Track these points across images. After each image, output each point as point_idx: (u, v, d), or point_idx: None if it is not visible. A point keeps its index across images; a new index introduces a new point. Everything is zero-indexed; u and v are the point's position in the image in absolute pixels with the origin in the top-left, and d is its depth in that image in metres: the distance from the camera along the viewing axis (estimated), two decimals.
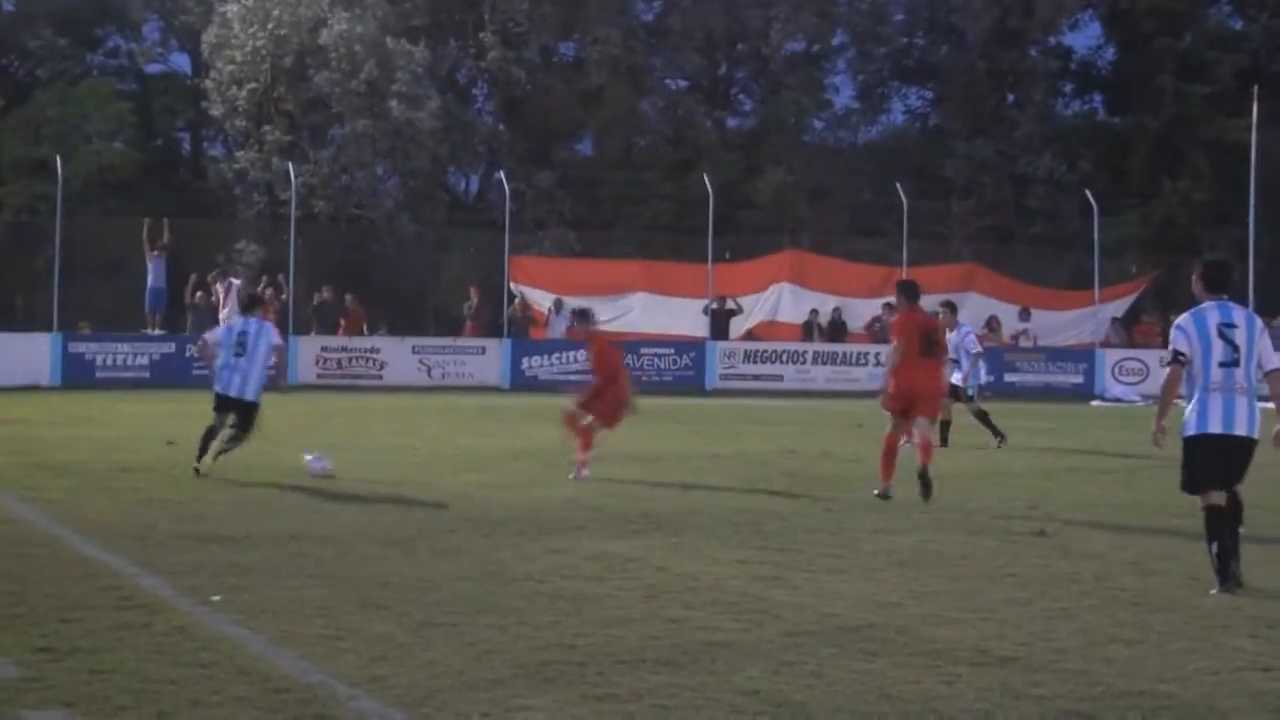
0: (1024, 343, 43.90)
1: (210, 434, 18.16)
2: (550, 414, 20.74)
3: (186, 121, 54.78)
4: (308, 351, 38.17)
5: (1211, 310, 11.23)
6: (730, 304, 42.52)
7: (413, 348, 39.43)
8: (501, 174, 44.89)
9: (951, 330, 24.49)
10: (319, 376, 37.81)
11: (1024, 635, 9.32)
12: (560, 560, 11.90)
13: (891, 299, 26.57)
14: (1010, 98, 55.72)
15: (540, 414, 28.81)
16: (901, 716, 7.58)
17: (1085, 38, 59.47)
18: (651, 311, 42.61)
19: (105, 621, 9.27)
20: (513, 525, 13.78)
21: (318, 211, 46.46)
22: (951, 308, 25.41)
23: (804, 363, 41.18)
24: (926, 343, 17.52)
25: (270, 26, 47.09)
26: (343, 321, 40.55)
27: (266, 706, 7.52)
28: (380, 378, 38.33)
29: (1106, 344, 43.45)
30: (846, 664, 8.54)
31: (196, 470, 17.60)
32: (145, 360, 36.77)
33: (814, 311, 42.81)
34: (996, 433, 23.95)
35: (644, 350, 40.66)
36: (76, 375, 35.75)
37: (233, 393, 18.55)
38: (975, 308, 43.28)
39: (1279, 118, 46.81)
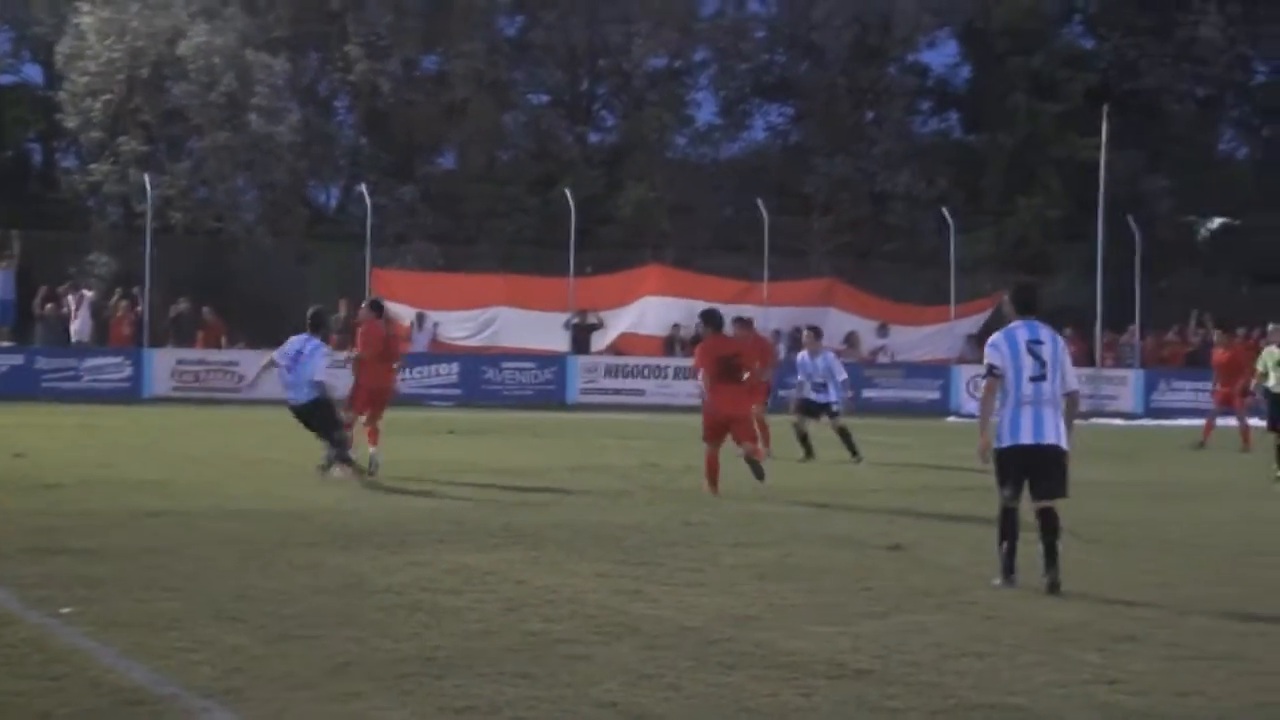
0: (882, 358, 44.37)
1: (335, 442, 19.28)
2: (409, 427, 20.64)
3: (38, 132, 53.86)
4: (163, 364, 37.73)
5: (1020, 329, 12.10)
6: (592, 318, 42.60)
7: (273, 360, 38.96)
8: (363, 187, 44.64)
9: (816, 355, 24.87)
10: (175, 389, 37.38)
11: (879, 648, 9.41)
12: (420, 573, 11.84)
13: (741, 313, 26.72)
14: (870, 115, 56.31)
15: (403, 427, 28.73)
16: None
17: (942, 56, 60.32)
18: (513, 326, 42.54)
19: None
20: (373, 538, 13.70)
21: (174, 223, 45.87)
22: (816, 332, 25.86)
23: (665, 377, 41.29)
24: (725, 368, 18.57)
25: (127, 38, 46.48)
26: (200, 334, 40.09)
27: (119, 718, 7.42)
28: (239, 391, 37.88)
29: (962, 360, 44.03)
30: (704, 677, 8.58)
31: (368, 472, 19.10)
32: None
33: (676, 326, 42.97)
34: (854, 450, 24.12)
35: (505, 364, 40.69)
36: None
37: (297, 402, 19.92)
38: (834, 323, 43.70)
39: (1127, 136, 47.83)
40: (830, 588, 11.72)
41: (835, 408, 24.71)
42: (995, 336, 12.23)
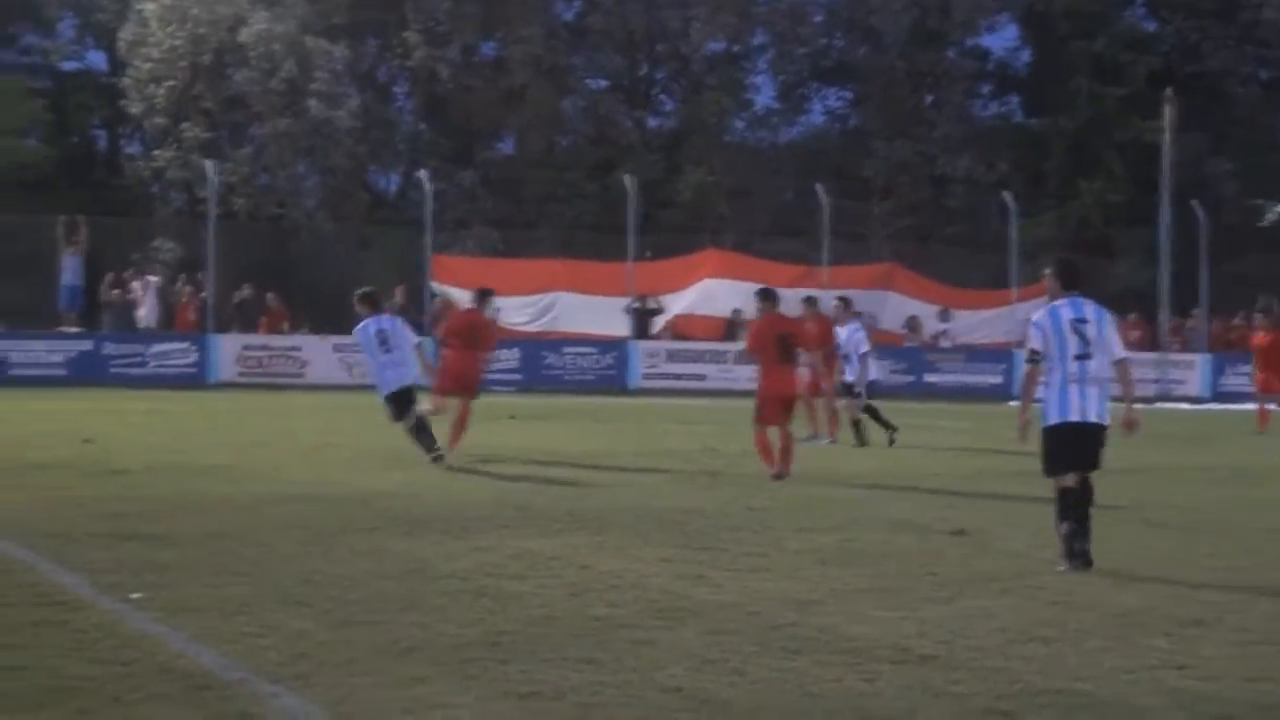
0: (944, 343, 44.20)
1: (421, 428, 19.35)
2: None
3: (103, 119, 54.26)
4: (228, 350, 37.95)
5: (1065, 307, 12.08)
6: (652, 303, 42.58)
7: (334, 346, 39.18)
8: (423, 173, 44.77)
9: (842, 327, 24.67)
10: (239, 375, 37.61)
11: (944, 633, 9.37)
12: (484, 558, 11.87)
13: (810, 293, 26.81)
14: (929, 99, 56.08)
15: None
16: (823, 714, 7.60)
17: (1002, 40, 60.23)
18: (573, 311, 42.57)
19: (22, 618, 9.17)
20: (436, 523, 13.74)
21: (237, 209, 46.14)
22: (846, 304, 25.60)
23: (726, 362, 41.24)
24: (782, 347, 18.64)
25: (188, 25, 46.73)
26: (264, 320, 40.31)
27: (187, 703, 7.46)
28: (302, 376, 38.14)
29: (1024, 344, 43.73)
30: (769, 662, 8.57)
31: (441, 457, 18.98)
32: (60, 358, 36.46)
33: (737, 311, 42.87)
34: (888, 426, 24.00)
35: (567, 350, 40.72)
36: None
37: (397, 388, 19.63)
38: (894, 307, 43.66)
39: (1191, 120, 47.44)
40: (893, 573, 11.68)
41: (856, 389, 24.62)
42: (1039, 315, 12.21)
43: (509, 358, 39.80)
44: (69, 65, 54.72)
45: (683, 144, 53.58)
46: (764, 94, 57.86)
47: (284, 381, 37.43)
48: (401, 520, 13.94)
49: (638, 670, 8.31)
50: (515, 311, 42.31)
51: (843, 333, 24.82)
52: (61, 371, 36.14)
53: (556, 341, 41.19)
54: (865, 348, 24.86)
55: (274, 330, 40.08)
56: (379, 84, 54.21)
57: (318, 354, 38.80)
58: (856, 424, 24.32)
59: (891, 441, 23.76)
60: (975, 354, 43.65)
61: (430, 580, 10.87)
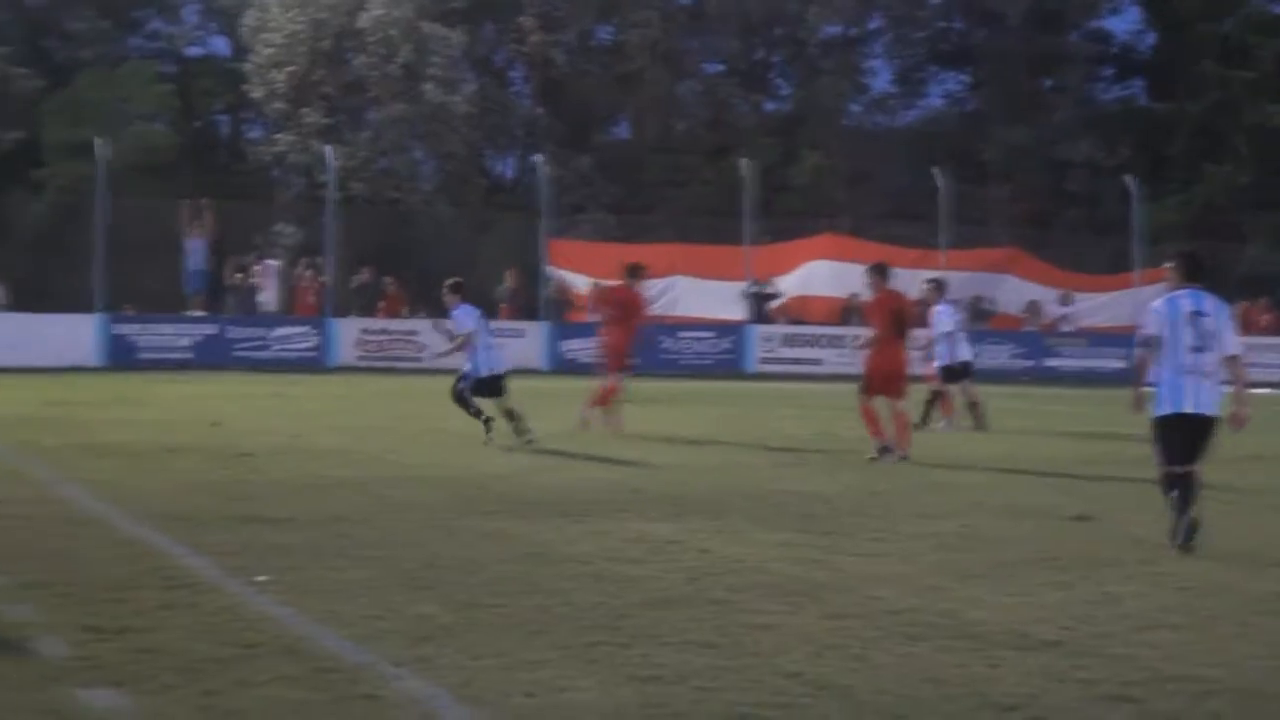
0: (1065, 327, 43.75)
1: (513, 414, 19.75)
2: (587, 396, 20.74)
3: (226, 104, 54.89)
4: (348, 334, 38.29)
5: (1185, 298, 12.10)
6: (769, 287, 42.47)
7: (469, 335, 39.31)
8: (539, 157, 44.91)
9: (933, 307, 24.68)
10: (359, 359, 37.95)
11: (1067, 619, 9.30)
12: (603, 542, 11.92)
13: (933, 275, 26.87)
14: (1049, 82, 55.47)
15: (580, 396, 28.86)
16: (945, 699, 7.57)
17: (1125, 22, 59.24)
18: (689, 294, 42.54)
19: (152, 601, 9.31)
20: (555, 507, 13.80)
21: (355, 194, 46.52)
22: (937, 285, 25.35)
23: (844, 346, 41.01)
24: (895, 322, 19.01)
25: (309, 10, 47.16)
26: (382, 304, 40.63)
27: (313, 686, 7.54)
28: (419, 360, 38.37)
29: None
30: (890, 647, 8.55)
31: (530, 441, 19.26)
32: (187, 341, 36.98)
33: (854, 295, 42.62)
34: (924, 419, 23.30)
35: (683, 334, 40.71)
36: (120, 356, 35.95)
37: (503, 370, 20.42)
38: (1013, 291, 43.28)
39: None
40: (1015, 558, 11.59)
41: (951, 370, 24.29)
42: (1157, 302, 12.23)
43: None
44: (193, 51, 55.49)
45: (799, 128, 53.38)
46: (881, 78, 57.64)
47: (402, 365, 37.70)
48: (521, 504, 14.02)
49: (758, 654, 8.32)
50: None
51: (935, 311, 24.65)
52: (188, 355, 36.64)
53: (673, 325, 41.17)
54: (944, 329, 24.37)
55: (392, 314, 40.38)
56: (496, 69, 54.44)
57: (435, 338, 38.91)
58: (974, 405, 24.22)
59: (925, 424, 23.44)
60: (1097, 338, 43.16)
61: (550, 563, 10.92)
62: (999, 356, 40.68)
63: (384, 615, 9.07)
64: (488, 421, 19.58)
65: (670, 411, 25.96)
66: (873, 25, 56.97)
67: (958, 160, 49.79)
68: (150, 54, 53.60)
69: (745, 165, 42.04)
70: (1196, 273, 12.23)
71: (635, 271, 22.78)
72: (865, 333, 20.58)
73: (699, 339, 40.84)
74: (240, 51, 51.54)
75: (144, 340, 36.67)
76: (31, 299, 38.55)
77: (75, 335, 35.92)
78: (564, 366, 38.74)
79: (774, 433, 22.44)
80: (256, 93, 48.35)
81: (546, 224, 41.72)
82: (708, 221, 46.52)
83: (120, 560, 10.68)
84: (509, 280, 41.71)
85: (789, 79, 58.30)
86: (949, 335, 24.36)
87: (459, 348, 20.66)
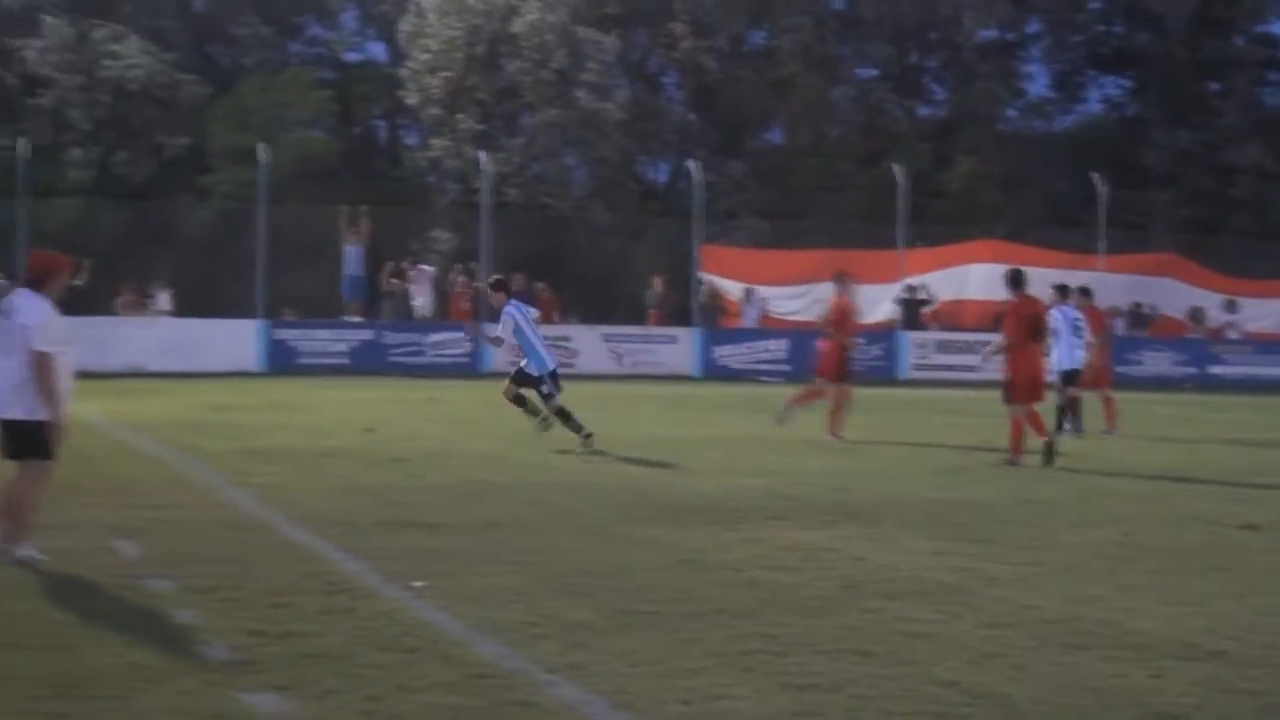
0: (1231, 334, 42.95)
1: (565, 413, 20.04)
2: (738, 403, 20.72)
3: (383, 110, 55.51)
4: None
5: None
6: (922, 293, 42.13)
7: (603, 335, 39.60)
8: (692, 163, 44.92)
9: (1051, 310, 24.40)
10: (511, 364, 38.00)
11: (1234, 629, 9.13)
12: (756, 549, 11.89)
13: (1082, 286, 26.66)
14: (1213, 86, 54.50)
15: (733, 403, 28.90)
16: (1106, 709, 7.48)
17: None
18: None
19: (314, 606, 9.45)
20: (708, 514, 13.79)
21: (509, 200, 46.82)
22: (1059, 290, 24.93)
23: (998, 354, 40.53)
24: (1033, 329, 19.30)
25: (465, 16, 47.56)
26: (535, 309, 40.76)
27: (469, 692, 7.61)
28: (572, 365, 38.43)
29: None
30: (1049, 656, 8.45)
31: (590, 436, 19.56)
32: (344, 347, 37.42)
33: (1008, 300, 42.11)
34: (1059, 425, 23.07)
35: None
36: (280, 361, 36.49)
37: (555, 366, 20.85)
38: (1174, 296, 42.58)
39: None
40: (1179, 567, 11.40)
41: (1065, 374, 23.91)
42: None
43: (777, 348, 39.77)
44: (351, 56, 56.16)
45: (954, 133, 52.94)
46: (1038, 82, 56.95)
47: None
48: (673, 511, 14.02)
49: (914, 663, 8.27)
50: (784, 301, 42.25)
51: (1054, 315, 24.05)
52: (345, 360, 37.07)
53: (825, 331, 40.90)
54: (1056, 328, 23.60)
55: (545, 320, 40.50)
56: (648, 74, 54.57)
57: (588, 343, 39.18)
58: (1064, 409, 23.90)
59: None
60: (1263, 345, 42.33)
61: (704, 571, 10.92)
62: (1160, 363, 40.12)
63: (538, 621, 9.12)
64: (587, 437, 19.52)
65: (822, 419, 25.80)
66: (1030, 29, 56.36)
67: (1117, 165, 49.10)
68: (310, 60, 54.38)
69: (899, 170, 41.76)
70: None
71: (841, 280, 23.33)
72: (996, 339, 20.54)
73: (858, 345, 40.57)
74: (397, 57, 52.14)
75: (303, 345, 37.17)
76: (195, 304, 39.24)
77: (237, 340, 36.53)
78: (716, 373, 38.73)
79: (928, 440, 22.24)
80: (412, 98, 48.81)
81: (699, 229, 41.73)
82: (860, 227, 46.28)
83: (282, 565, 10.86)
84: (657, 286, 41.77)
85: (943, 84, 57.89)
86: (1058, 339, 23.84)
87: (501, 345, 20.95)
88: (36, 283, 11.22)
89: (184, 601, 9.56)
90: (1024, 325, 19.20)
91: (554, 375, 20.59)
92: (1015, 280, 19.61)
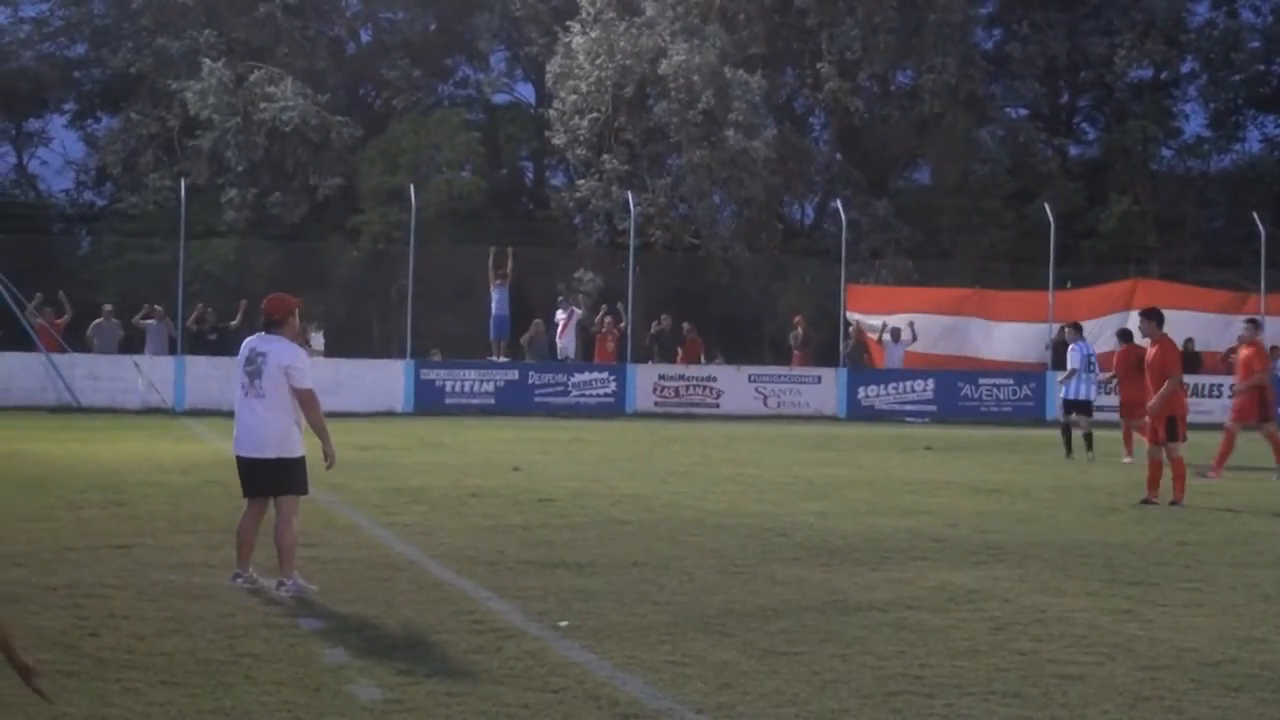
0: None
1: None
2: (889, 443, 20.56)
3: (530, 151, 55.95)
4: (645, 379, 38.61)
5: None
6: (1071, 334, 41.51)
7: (749, 376, 39.52)
8: (838, 202, 44.77)
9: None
10: (656, 404, 38.22)
11: None
12: (902, 590, 11.78)
13: (1250, 318, 26.83)
14: None
15: (878, 443, 28.72)
16: None
17: None
18: (987, 336, 41.90)
19: (461, 645, 9.49)
20: (853, 555, 13.69)
21: (654, 240, 46.94)
22: (1073, 326, 28.21)
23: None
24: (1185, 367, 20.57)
25: (617, 58, 47.81)
26: (680, 350, 40.90)
27: None
28: (717, 406, 38.52)
29: None
30: (1207, 699, 8.28)
31: None
32: (490, 387, 37.64)
33: (1190, 340, 41.33)
34: (1069, 448, 26.22)
35: (982, 380, 40.14)
36: (427, 401, 36.77)
37: None
38: None
39: None
40: None
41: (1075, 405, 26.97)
42: None
43: (923, 388, 39.49)
44: (499, 98, 56.66)
45: (1105, 173, 52.32)
46: (1194, 121, 56.07)
47: (699, 411, 37.89)
48: (818, 551, 13.93)
49: (1066, 706, 8.15)
50: (929, 338, 41.81)
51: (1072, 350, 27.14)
52: (491, 400, 37.32)
53: (972, 372, 40.60)
54: (1071, 365, 27.00)
55: (690, 360, 40.61)
56: (795, 114, 54.52)
57: (732, 384, 39.13)
58: (1085, 437, 26.25)
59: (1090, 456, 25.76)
60: None
61: (850, 612, 10.83)
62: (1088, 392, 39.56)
63: (685, 661, 9.08)
64: None
65: (969, 460, 25.57)
66: (1185, 69, 55.54)
67: (1278, 205, 48.25)
68: (459, 101, 54.92)
69: (1049, 210, 41.32)
70: None
71: (1253, 324, 24.24)
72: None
73: (998, 385, 40.19)
74: (545, 98, 52.53)
75: (450, 385, 37.47)
76: (344, 344, 39.73)
77: (386, 380, 36.92)
78: (861, 413, 38.50)
79: (1077, 481, 21.92)
80: (559, 139, 49.13)
81: (845, 269, 41.55)
82: (1008, 267, 45.87)
83: (429, 604, 10.91)
84: (799, 327, 41.61)
85: (1095, 123, 57.28)
86: (1073, 373, 26.91)
87: None
88: (275, 324, 11.73)
89: (333, 640, 9.65)
90: (1177, 366, 19.10)
91: None
92: (1152, 318, 19.50)
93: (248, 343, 11.88)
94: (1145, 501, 18.56)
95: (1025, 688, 8.51)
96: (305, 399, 11.48)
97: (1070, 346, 27.49)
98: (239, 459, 11.75)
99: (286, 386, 11.44)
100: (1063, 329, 28.46)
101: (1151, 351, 19.42)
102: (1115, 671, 8.98)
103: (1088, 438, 26.31)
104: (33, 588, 10.96)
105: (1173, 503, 18.42)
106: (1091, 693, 8.42)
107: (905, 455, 26.24)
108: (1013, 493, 19.89)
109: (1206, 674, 8.90)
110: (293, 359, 11.51)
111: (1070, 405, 27.31)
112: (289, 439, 11.52)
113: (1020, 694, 8.36)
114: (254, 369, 11.53)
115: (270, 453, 11.49)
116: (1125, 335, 25.20)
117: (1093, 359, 27.47)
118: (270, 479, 11.54)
